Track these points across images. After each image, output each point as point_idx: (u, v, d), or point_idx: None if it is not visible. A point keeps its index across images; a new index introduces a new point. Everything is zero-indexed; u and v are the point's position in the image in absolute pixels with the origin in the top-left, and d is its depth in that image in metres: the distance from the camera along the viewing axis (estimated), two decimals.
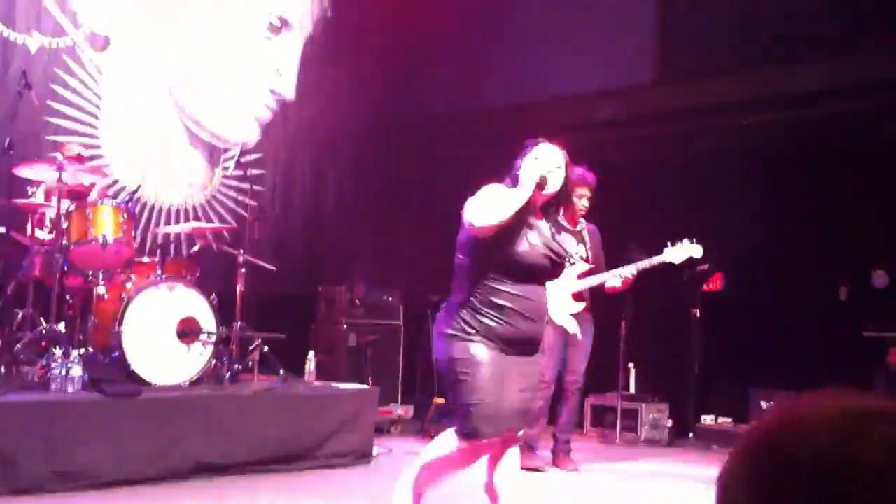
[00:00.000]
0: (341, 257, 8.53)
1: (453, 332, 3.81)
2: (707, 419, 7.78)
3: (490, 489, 4.04)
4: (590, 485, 6.04)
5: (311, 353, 6.90)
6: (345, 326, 7.84)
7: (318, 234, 8.73)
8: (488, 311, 3.77)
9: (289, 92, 8.74)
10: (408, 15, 9.15)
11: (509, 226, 3.75)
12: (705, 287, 7.75)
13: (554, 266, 3.93)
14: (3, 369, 5.35)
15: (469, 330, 3.78)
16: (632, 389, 8.07)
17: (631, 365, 8.03)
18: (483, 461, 3.99)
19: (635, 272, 6.17)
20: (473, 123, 8.95)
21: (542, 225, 3.96)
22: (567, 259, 4.02)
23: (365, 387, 6.69)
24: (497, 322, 3.77)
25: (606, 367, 7.79)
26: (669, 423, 7.78)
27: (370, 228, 8.61)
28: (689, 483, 6.00)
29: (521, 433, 4.04)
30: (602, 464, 6.73)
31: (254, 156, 8.36)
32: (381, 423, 7.16)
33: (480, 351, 3.75)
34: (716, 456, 7.12)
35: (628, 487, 5.97)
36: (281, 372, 6.42)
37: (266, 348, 6.47)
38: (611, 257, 6.54)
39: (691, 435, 7.66)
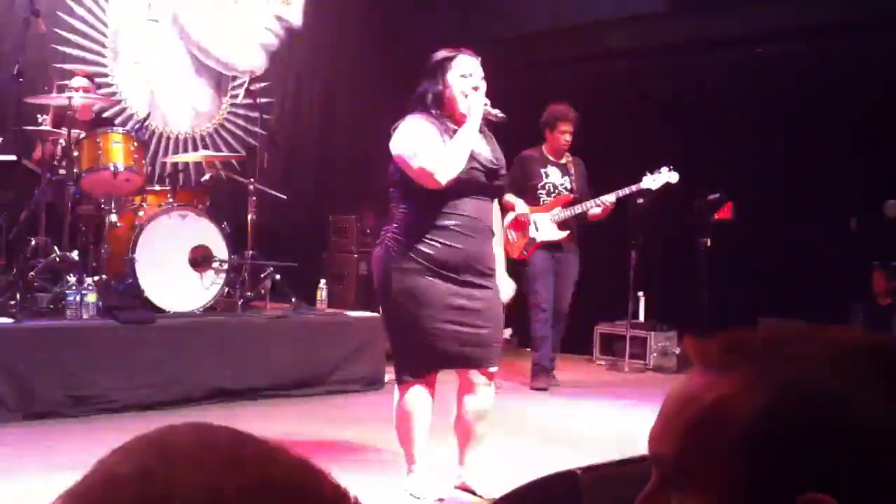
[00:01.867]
0: (352, 186, 8.51)
1: (385, 266, 3.66)
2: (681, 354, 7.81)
3: (457, 427, 3.91)
4: (592, 410, 6.09)
5: (323, 282, 6.93)
6: (356, 255, 7.87)
7: (328, 163, 8.70)
8: (424, 236, 3.59)
9: (296, 19, 8.64)
10: None
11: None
12: (716, 216, 7.72)
13: (489, 176, 3.69)
14: (17, 296, 5.39)
15: (404, 262, 3.61)
16: (641, 318, 8.11)
17: (640, 293, 8.05)
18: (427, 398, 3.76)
19: (614, 199, 6.51)
20: (483, 52, 8.85)
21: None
22: (499, 165, 3.75)
23: (375, 314, 6.73)
24: (434, 246, 3.59)
25: (616, 296, 7.83)
26: (678, 350, 7.83)
27: (381, 156, 8.54)
28: None
29: (492, 368, 3.80)
30: (609, 389, 6.81)
31: (262, 84, 8.29)
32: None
33: (415, 283, 3.59)
34: None
35: (631, 413, 6.03)
36: (293, 300, 6.46)
37: (278, 276, 6.50)
38: (619, 186, 6.62)
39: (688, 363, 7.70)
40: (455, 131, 3.63)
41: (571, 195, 6.63)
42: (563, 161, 6.74)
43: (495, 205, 3.88)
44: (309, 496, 0.60)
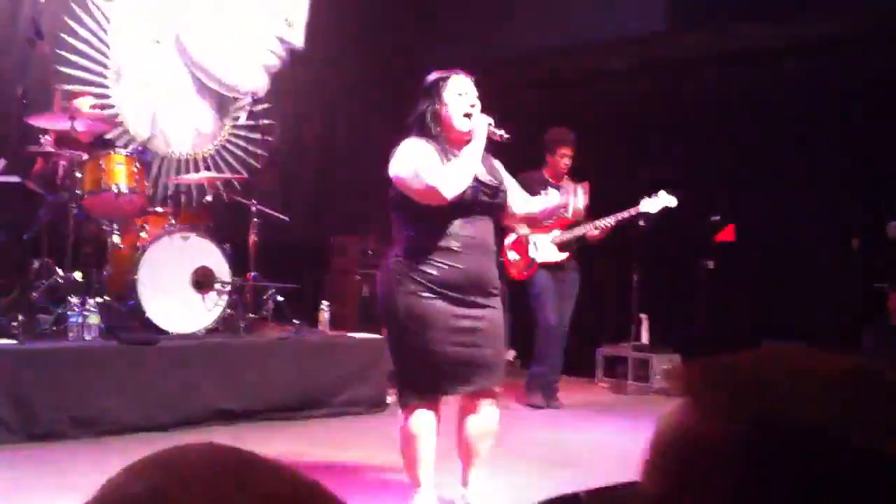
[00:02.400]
0: (353, 207, 8.52)
1: (389, 289, 3.66)
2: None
3: (460, 447, 3.88)
4: (595, 432, 6.08)
5: (325, 303, 6.93)
6: (357, 277, 7.86)
7: (329, 184, 8.71)
8: (427, 258, 3.60)
9: (298, 41, 8.67)
10: None
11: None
12: (718, 238, 7.73)
13: (490, 195, 3.70)
14: (20, 317, 5.38)
15: (408, 284, 3.60)
16: (644, 340, 8.09)
17: (643, 315, 8.04)
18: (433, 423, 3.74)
19: (613, 223, 6.62)
20: (484, 73, 8.88)
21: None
22: (498, 184, 3.76)
23: (378, 336, 6.72)
24: (438, 267, 3.59)
25: (618, 318, 7.82)
26: None
27: (382, 178, 8.56)
28: None
29: (494, 388, 3.80)
30: (612, 412, 6.79)
31: (264, 105, 8.31)
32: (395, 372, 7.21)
33: (419, 305, 3.59)
34: None
35: (634, 436, 6.00)
36: (295, 321, 6.45)
37: (280, 298, 6.50)
38: (620, 207, 6.66)
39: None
40: (452, 152, 3.65)
41: (571, 218, 6.64)
42: (562, 184, 6.77)
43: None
44: None
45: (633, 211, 6.56)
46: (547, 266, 6.72)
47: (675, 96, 8.28)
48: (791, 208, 7.63)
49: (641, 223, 6.78)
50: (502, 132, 3.74)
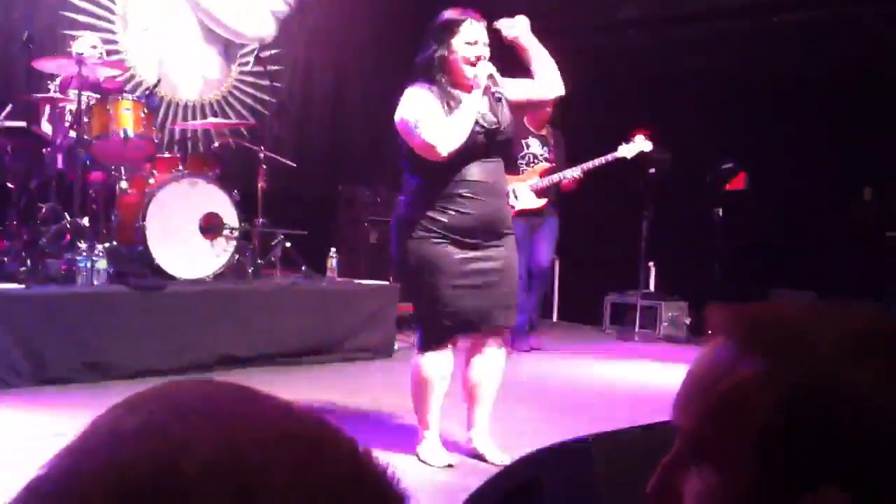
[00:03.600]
0: (364, 155, 8.48)
1: (400, 236, 3.70)
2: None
3: (465, 389, 3.89)
4: (601, 378, 6.10)
5: (333, 250, 6.93)
6: (366, 224, 7.85)
7: (339, 132, 8.66)
8: (435, 205, 3.61)
9: None
10: None
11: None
12: (728, 186, 7.69)
13: (490, 136, 3.65)
14: (28, 262, 5.39)
15: (417, 230, 3.63)
16: (651, 288, 8.09)
17: (651, 264, 8.03)
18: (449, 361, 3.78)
19: (589, 168, 6.58)
20: (497, 18, 8.76)
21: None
22: (501, 124, 3.69)
23: (386, 283, 6.73)
24: (447, 213, 3.60)
25: (626, 266, 7.81)
26: (688, 320, 7.82)
27: (393, 126, 8.49)
28: None
29: (503, 325, 3.81)
30: (618, 358, 6.81)
31: (272, 51, 8.24)
32: (402, 318, 7.22)
33: (429, 251, 3.61)
34: None
35: (640, 382, 6.03)
36: (303, 267, 6.46)
37: (288, 244, 6.50)
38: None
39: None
40: (457, 98, 3.61)
41: (549, 164, 6.84)
42: (543, 132, 6.98)
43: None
44: (326, 450, 0.59)
45: (609, 157, 6.51)
46: (524, 213, 6.70)
47: (685, 46, 8.17)
48: (803, 156, 7.57)
49: (651, 170, 6.77)
50: (498, 89, 3.72)
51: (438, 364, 3.74)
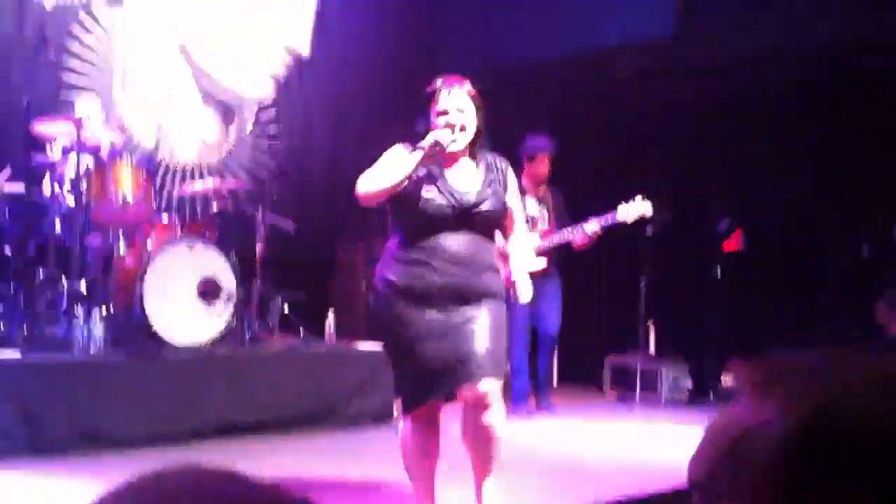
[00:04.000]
0: (360, 216, 8.47)
1: (377, 291, 3.69)
2: (728, 379, 7.74)
3: (469, 456, 3.69)
4: (604, 443, 6.03)
5: (331, 312, 6.89)
6: (364, 286, 7.82)
7: (337, 193, 8.66)
8: (401, 267, 3.57)
9: (304, 49, 8.64)
10: None
11: (408, 184, 3.55)
12: (726, 246, 7.69)
13: (461, 211, 3.56)
14: (25, 329, 5.34)
15: (387, 288, 3.59)
16: (651, 349, 8.04)
17: (650, 324, 7.98)
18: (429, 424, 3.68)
19: (591, 230, 6.44)
20: (490, 80, 8.85)
21: (458, 168, 3.66)
22: (478, 200, 3.58)
23: None
24: (410, 277, 3.54)
25: (626, 327, 7.77)
26: (689, 383, 7.76)
27: None
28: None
29: (484, 386, 3.51)
30: (622, 422, 6.74)
31: (270, 113, 8.28)
32: None
33: (399, 309, 3.54)
34: None
35: (647, 445, 5.96)
36: (301, 331, 6.41)
37: (286, 307, 6.46)
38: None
39: (712, 395, 7.64)
40: (433, 167, 3.59)
41: (549, 226, 6.82)
42: (540, 192, 6.93)
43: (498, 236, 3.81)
44: None
45: (609, 218, 6.41)
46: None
47: (683, 102, 8.23)
48: (800, 215, 7.58)
49: (649, 228, 6.76)
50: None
51: (418, 429, 3.65)
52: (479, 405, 3.55)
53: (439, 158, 3.60)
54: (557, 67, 8.64)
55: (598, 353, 8.15)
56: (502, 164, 3.72)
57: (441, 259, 3.52)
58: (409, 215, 3.59)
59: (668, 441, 6.17)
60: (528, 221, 6.74)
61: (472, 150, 3.66)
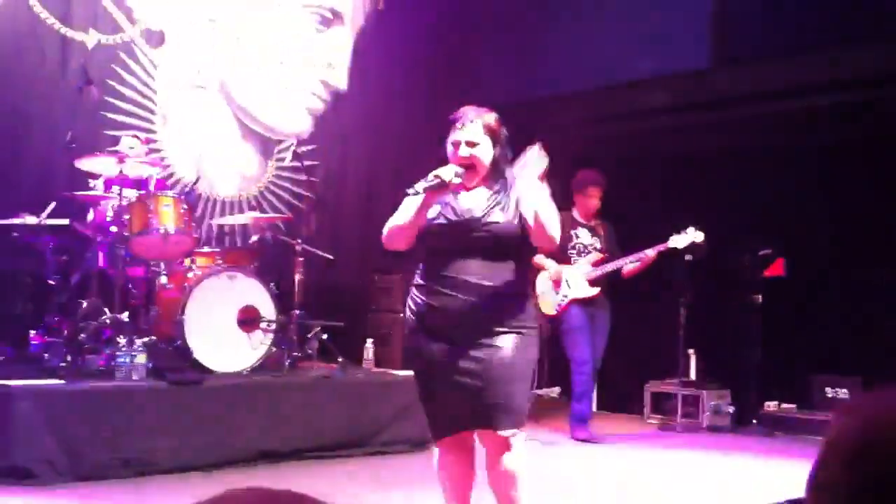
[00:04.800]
0: None
1: (404, 320, 3.64)
2: (770, 405, 7.65)
3: (491, 488, 3.60)
4: (648, 469, 5.97)
5: (369, 341, 6.92)
6: (401, 315, 7.83)
7: (374, 223, 8.69)
8: (415, 296, 3.53)
9: (341, 83, 8.76)
10: (458, 5, 9.15)
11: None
12: (767, 272, 7.63)
13: (455, 230, 3.45)
14: (68, 358, 5.43)
15: (409, 317, 3.55)
16: (692, 376, 7.97)
17: (691, 351, 7.93)
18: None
19: (643, 258, 6.74)
20: (526, 112, 8.89)
21: (471, 195, 3.54)
22: (480, 219, 3.45)
23: None
24: (419, 304, 3.50)
25: (666, 354, 7.72)
26: (731, 409, 7.68)
27: None
28: (756, 466, 5.94)
29: (504, 432, 3.40)
30: (663, 449, 6.68)
31: (308, 147, 8.38)
32: None
33: (417, 342, 3.50)
34: (780, 443, 7.02)
35: (692, 473, 5.89)
36: (340, 359, 6.45)
37: (325, 336, 6.51)
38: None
39: (754, 421, 7.55)
40: (451, 193, 3.53)
41: (601, 254, 6.96)
42: (591, 223, 7.11)
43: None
44: None
45: (661, 247, 6.70)
46: (579, 302, 6.85)
47: (720, 132, 8.21)
48: (843, 242, 7.51)
49: (688, 257, 6.79)
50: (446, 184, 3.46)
51: (445, 459, 3.62)
52: (499, 449, 3.46)
53: (452, 190, 3.51)
54: (591, 99, 8.68)
55: (638, 380, 8.10)
56: (518, 181, 3.50)
57: (451, 287, 3.41)
58: (421, 240, 3.55)
59: (713, 467, 6.11)
60: (581, 250, 6.86)
61: (490, 179, 3.56)
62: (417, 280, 3.57)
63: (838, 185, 7.53)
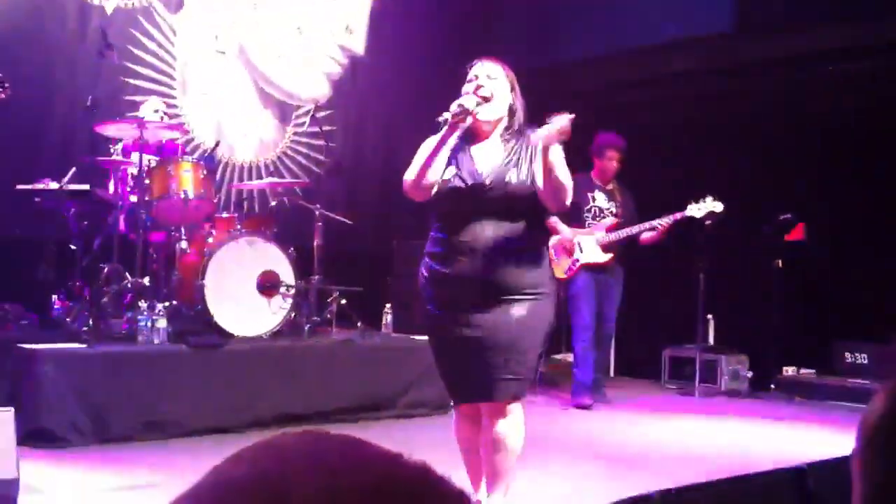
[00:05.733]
0: (416, 211, 8.51)
1: (419, 285, 3.57)
2: (789, 370, 7.65)
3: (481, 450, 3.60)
4: (663, 433, 5.99)
5: (388, 306, 6.95)
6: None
7: (392, 189, 8.69)
8: (431, 260, 3.46)
9: (359, 47, 8.73)
10: None
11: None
12: (788, 237, 7.59)
13: (466, 191, 3.39)
14: (91, 322, 5.49)
15: (422, 283, 3.50)
16: (710, 341, 7.97)
17: (710, 316, 7.92)
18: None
19: (659, 226, 6.64)
20: (546, 78, 8.84)
21: (485, 147, 3.49)
22: (492, 178, 3.38)
23: None
24: (431, 270, 3.44)
25: (684, 319, 7.71)
26: (750, 374, 7.69)
27: None
28: (774, 430, 5.95)
29: (480, 400, 3.45)
30: (679, 413, 6.70)
31: (326, 112, 8.38)
32: None
33: (432, 307, 3.46)
34: (798, 407, 7.02)
35: (710, 436, 5.91)
36: (359, 324, 6.48)
37: (344, 301, 6.54)
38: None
39: (773, 386, 7.55)
40: (465, 142, 3.49)
41: (616, 219, 6.85)
42: (609, 187, 7.00)
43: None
44: (428, 498, 0.59)
45: (678, 215, 6.60)
46: (590, 267, 6.77)
47: (743, 98, 8.14)
48: (861, 207, 7.45)
49: (708, 222, 6.72)
50: (468, 112, 3.40)
51: (460, 424, 3.64)
52: (495, 414, 3.45)
53: (469, 134, 3.48)
54: (613, 64, 8.60)
55: (655, 345, 8.11)
56: (536, 139, 3.35)
57: (460, 251, 3.34)
58: (435, 202, 3.46)
59: (729, 431, 6.13)
60: (597, 214, 6.78)
61: (506, 131, 3.51)
62: (430, 245, 3.51)
63: (860, 150, 7.46)
